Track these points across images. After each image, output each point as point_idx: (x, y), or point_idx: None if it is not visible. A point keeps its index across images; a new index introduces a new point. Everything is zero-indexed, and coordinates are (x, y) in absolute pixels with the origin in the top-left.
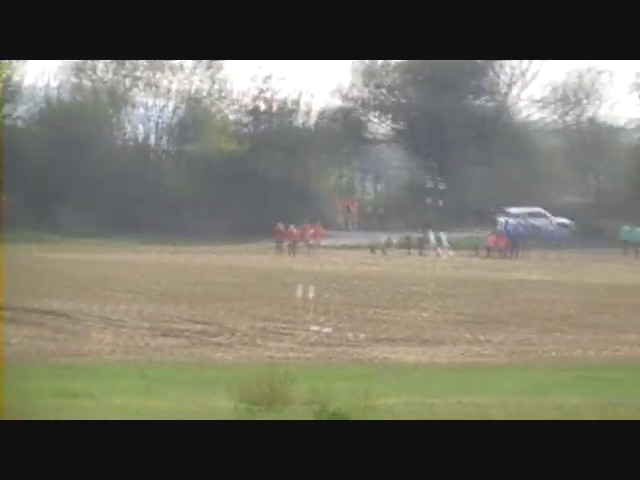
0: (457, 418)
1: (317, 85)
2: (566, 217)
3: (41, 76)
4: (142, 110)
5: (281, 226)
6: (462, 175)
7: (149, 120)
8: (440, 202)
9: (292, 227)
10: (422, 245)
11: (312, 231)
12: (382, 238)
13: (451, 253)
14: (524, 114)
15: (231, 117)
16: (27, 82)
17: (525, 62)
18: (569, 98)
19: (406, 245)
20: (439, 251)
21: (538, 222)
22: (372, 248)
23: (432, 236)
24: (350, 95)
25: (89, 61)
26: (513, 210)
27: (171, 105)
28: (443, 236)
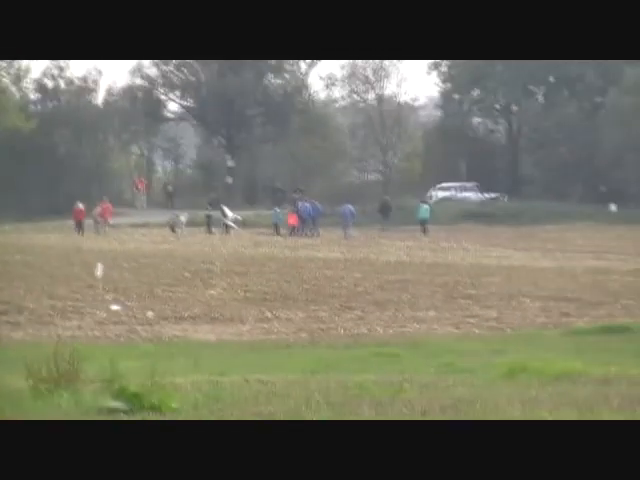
0: (243, 396)
1: (109, 61)
2: (357, 196)
3: None
4: None
5: (80, 205)
6: (259, 153)
7: None
8: (230, 180)
9: (79, 205)
10: (210, 223)
11: (101, 209)
12: (171, 216)
13: (240, 231)
14: (322, 92)
15: (19, 94)
16: None
17: None
18: (368, 76)
19: (195, 223)
20: (227, 229)
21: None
22: (172, 226)
23: (221, 213)
24: (138, 73)
25: None
26: (445, 184)
27: None
28: (231, 214)
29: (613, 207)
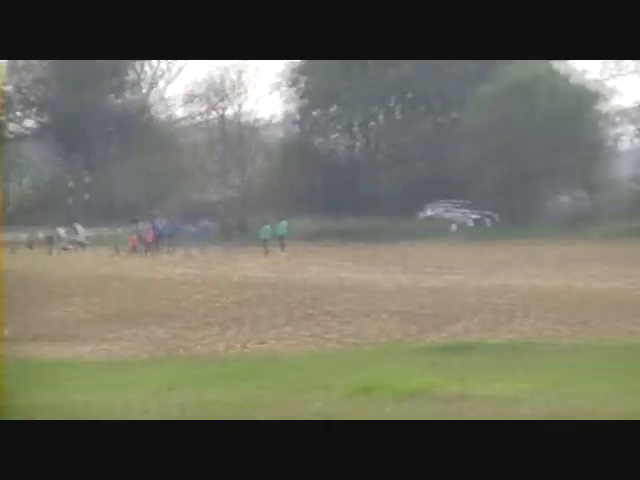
0: (99, 415)
1: None
2: (211, 214)
3: None
4: None
5: None
6: (109, 171)
7: None
8: (86, 196)
9: None
10: (64, 241)
11: None
12: (26, 235)
13: (91, 249)
14: (169, 111)
15: None
16: None
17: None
18: (214, 94)
19: (48, 241)
20: (79, 247)
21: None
22: (29, 244)
23: (73, 232)
24: None
25: None
26: (436, 202)
27: None
28: (83, 232)
29: (470, 223)
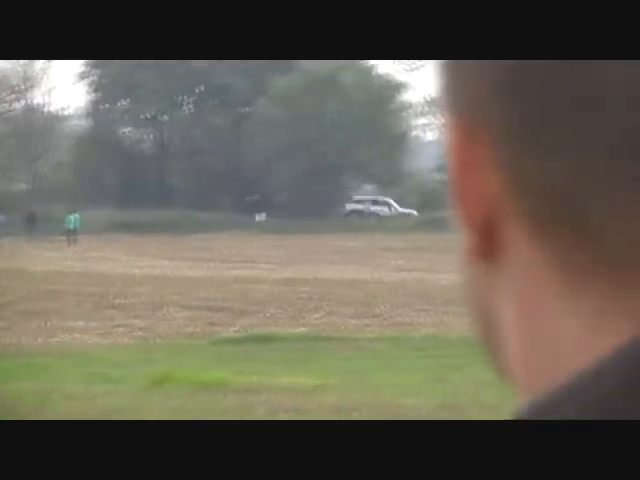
0: None
1: None
2: (10, 207)
3: None
4: None
5: None
6: None
7: None
8: None
9: None
10: None
11: None
12: None
13: None
14: None
15: None
16: None
17: None
18: (10, 84)
19: None
20: None
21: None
22: None
23: None
24: None
25: None
26: (357, 197)
27: None
28: None
29: (263, 216)
